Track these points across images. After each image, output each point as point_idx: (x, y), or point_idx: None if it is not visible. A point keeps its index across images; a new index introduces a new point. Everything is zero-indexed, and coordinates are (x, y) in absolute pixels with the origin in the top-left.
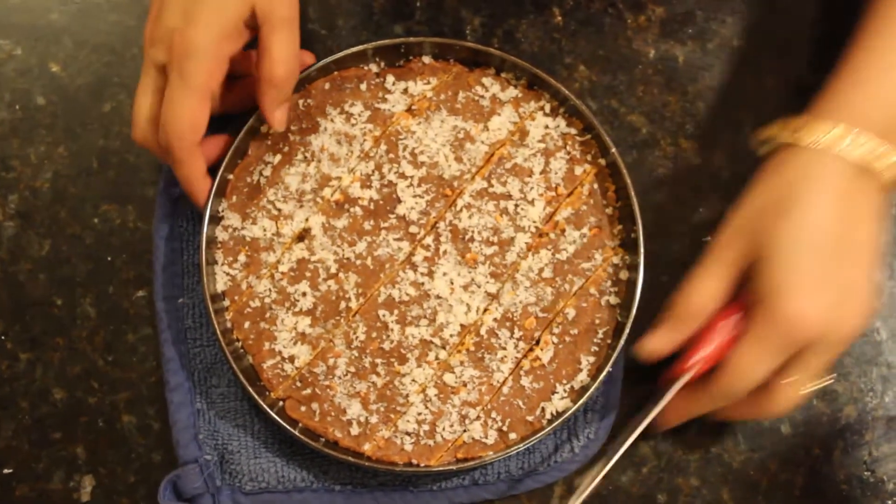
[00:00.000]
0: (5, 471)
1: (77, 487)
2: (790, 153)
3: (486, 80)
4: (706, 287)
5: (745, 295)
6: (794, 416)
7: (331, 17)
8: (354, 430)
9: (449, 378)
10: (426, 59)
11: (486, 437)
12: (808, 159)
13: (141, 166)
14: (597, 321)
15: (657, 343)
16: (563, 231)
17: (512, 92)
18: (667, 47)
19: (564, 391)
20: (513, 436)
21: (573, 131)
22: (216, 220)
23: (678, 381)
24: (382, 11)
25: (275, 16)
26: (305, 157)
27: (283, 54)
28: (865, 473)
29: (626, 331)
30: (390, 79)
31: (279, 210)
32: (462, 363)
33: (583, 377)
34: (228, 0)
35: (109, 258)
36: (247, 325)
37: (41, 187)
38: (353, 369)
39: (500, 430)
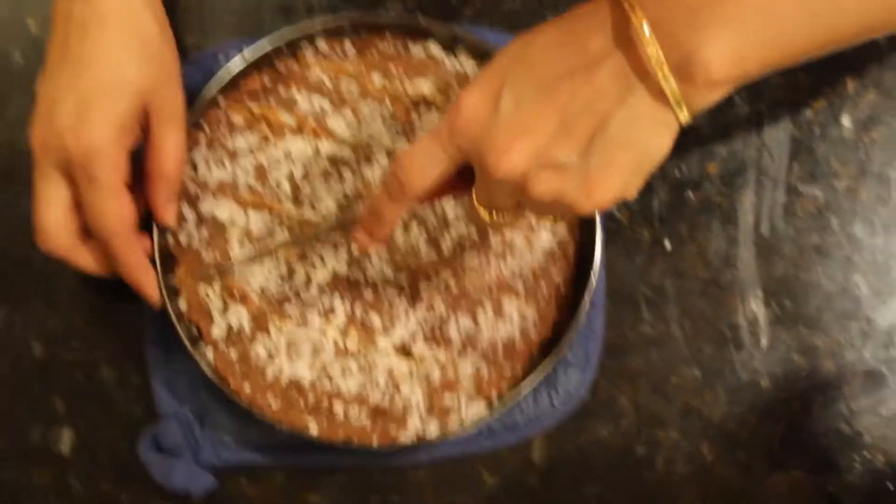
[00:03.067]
0: None
1: (56, 440)
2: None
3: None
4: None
5: None
6: (774, 371)
7: None
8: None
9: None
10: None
11: (464, 397)
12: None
13: None
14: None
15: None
16: None
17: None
18: None
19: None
20: (493, 395)
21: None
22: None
23: None
24: None
25: (166, 111)
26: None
27: (175, 149)
28: (844, 427)
29: (590, 287)
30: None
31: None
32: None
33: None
34: (121, 95)
35: None
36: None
37: (20, 145)
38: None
39: (477, 385)
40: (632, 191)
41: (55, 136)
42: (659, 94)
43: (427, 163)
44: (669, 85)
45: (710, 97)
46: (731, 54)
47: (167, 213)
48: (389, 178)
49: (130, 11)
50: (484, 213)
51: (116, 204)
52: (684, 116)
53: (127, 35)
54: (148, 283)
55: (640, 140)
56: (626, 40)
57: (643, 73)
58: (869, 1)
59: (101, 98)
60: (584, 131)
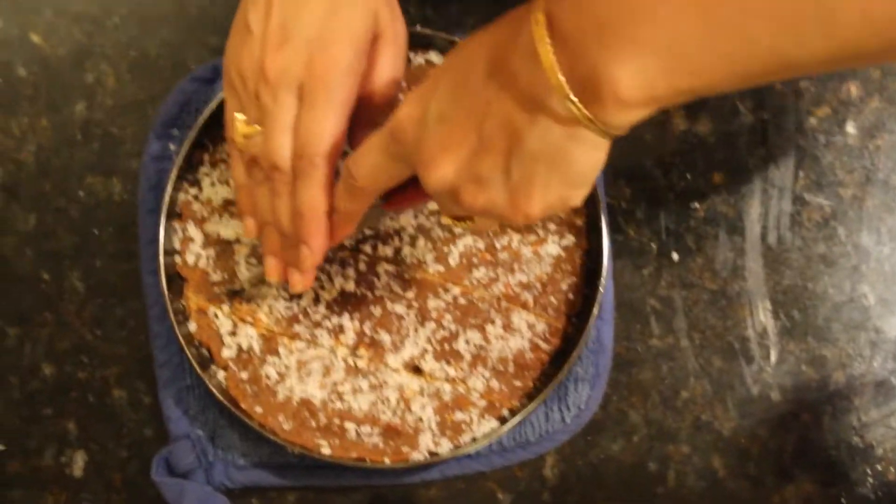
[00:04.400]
0: None
1: (69, 463)
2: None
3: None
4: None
5: None
6: (784, 383)
7: None
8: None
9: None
10: None
11: (475, 414)
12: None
13: (125, 138)
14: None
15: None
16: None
17: None
18: None
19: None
20: (504, 412)
21: None
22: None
23: None
24: None
25: (390, 31)
26: None
27: (391, 72)
28: (855, 438)
29: (598, 296)
30: None
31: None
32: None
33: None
34: (357, 16)
35: (96, 231)
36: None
37: (25, 160)
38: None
39: (488, 401)
40: (572, 202)
41: (296, 54)
42: (566, 113)
43: (373, 161)
44: (573, 105)
45: (627, 117)
46: (638, 76)
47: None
48: (343, 172)
49: None
50: (446, 219)
51: (340, 122)
52: (604, 133)
53: None
54: (319, 229)
55: (559, 156)
56: (530, 53)
57: (546, 89)
58: (781, 35)
59: (341, 18)
60: (501, 147)
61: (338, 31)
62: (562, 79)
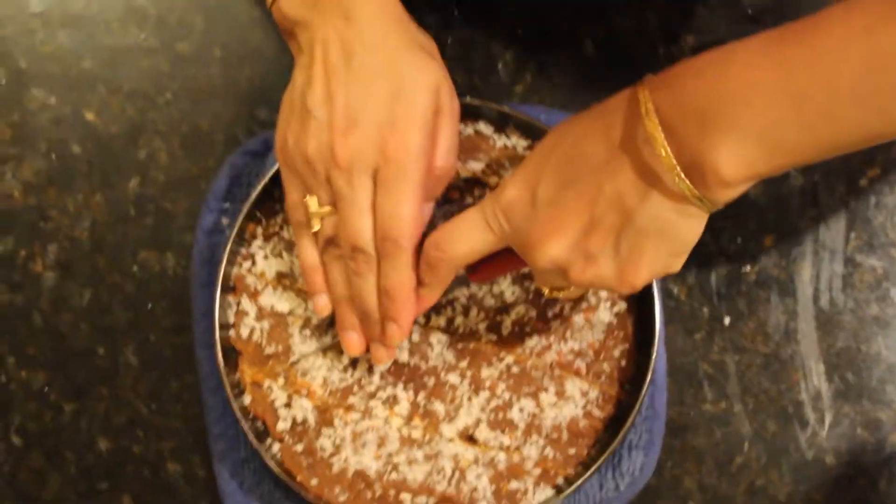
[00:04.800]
0: None
1: None
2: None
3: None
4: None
5: None
6: (839, 446)
7: None
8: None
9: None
10: None
11: (530, 482)
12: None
13: (178, 213)
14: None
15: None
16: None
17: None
18: None
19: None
20: (559, 480)
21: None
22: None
23: None
24: None
25: (448, 105)
26: None
27: (449, 146)
28: None
29: (652, 363)
30: None
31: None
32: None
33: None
34: (423, 96)
35: (150, 306)
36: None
37: (80, 236)
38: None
39: (543, 469)
40: (673, 268)
41: (366, 138)
42: (677, 191)
43: (468, 238)
44: (685, 185)
45: (728, 194)
46: (739, 158)
47: (425, 207)
48: (428, 247)
49: (394, 19)
50: (545, 290)
51: (419, 202)
52: (708, 209)
53: (405, 40)
54: (408, 307)
55: (668, 230)
56: (644, 140)
57: (660, 172)
58: (869, 116)
59: (407, 99)
60: (612, 226)
61: (406, 113)
62: (673, 161)
